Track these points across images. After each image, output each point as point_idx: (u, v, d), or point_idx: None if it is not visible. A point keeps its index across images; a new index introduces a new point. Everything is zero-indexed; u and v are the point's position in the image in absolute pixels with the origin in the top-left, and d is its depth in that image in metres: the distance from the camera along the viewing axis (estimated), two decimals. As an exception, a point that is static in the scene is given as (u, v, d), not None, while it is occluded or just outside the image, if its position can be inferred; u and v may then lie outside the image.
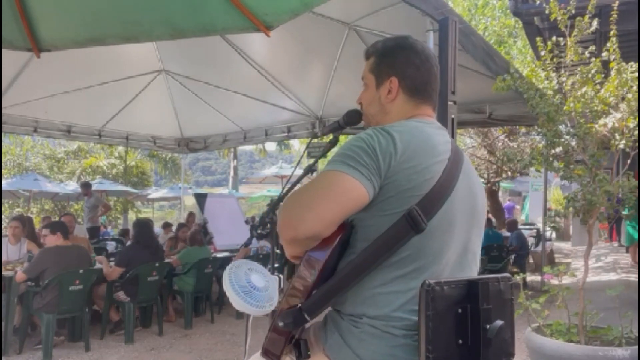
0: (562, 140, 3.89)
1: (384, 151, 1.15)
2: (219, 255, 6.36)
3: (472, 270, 1.30)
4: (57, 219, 7.63)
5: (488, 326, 1.10)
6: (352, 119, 1.47)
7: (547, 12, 4.06)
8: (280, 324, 1.17)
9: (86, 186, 10.09)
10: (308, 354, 1.25)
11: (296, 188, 1.32)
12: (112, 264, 5.30)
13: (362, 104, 1.42)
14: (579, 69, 3.84)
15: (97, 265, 5.31)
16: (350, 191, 1.14)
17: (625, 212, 4.05)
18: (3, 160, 18.75)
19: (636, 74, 3.65)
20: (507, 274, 1.23)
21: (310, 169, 1.79)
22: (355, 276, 1.16)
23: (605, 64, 3.83)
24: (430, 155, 1.20)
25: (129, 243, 6.66)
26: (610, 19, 3.89)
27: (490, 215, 12.52)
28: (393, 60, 1.35)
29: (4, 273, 4.69)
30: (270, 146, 28.73)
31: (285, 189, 1.62)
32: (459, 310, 1.11)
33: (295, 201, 1.19)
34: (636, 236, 8.64)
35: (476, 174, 1.37)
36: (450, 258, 1.22)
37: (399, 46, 1.36)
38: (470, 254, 1.30)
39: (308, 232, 1.14)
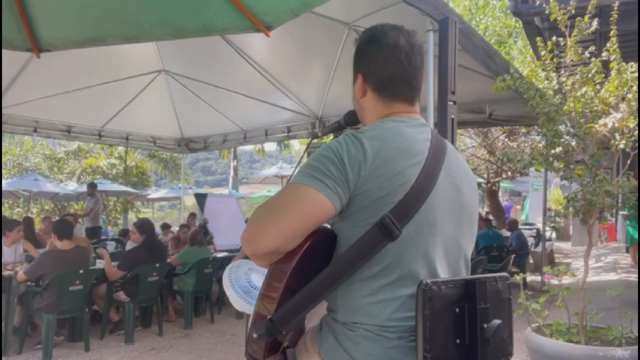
0: (562, 140, 3.89)
1: (352, 160, 1.12)
2: (219, 255, 6.36)
3: (464, 267, 1.27)
4: (57, 219, 7.63)
5: (486, 325, 1.10)
6: (352, 119, 1.45)
7: (547, 12, 4.06)
8: (255, 335, 1.15)
9: (92, 186, 10.47)
10: None
11: (263, 201, 1.28)
12: (113, 263, 5.31)
13: None
14: (579, 69, 3.85)
15: (98, 264, 5.30)
16: (313, 205, 1.11)
17: (625, 212, 4.06)
18: (3, 160, 18.76)
19: (636, 74, 3.65)
20: (505, 274, 1.22)
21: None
22: (328, 286, 1.13)
23: (605, 64, 3.83)
24: (404, 158, 1.16)
25: (129, 243, 6.63)
26: (610, 19, 3.89)
27: (490, 216, 12.52)
28: (359, 57, 1.32)
29: (3, 273, 4.70)
30: (270, 146, 28.69)
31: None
32: (457, 310, 1.10)
33: (257, 216, 1.16)
34: (636, 236, 8.64)
35: (463, 167, 1.31)
36: (438, 259, 1.19)
37: (366, 41, 1.31)
38: (462, 250, 1.27)
39: (267, 248, 1.12)
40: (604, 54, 3.86)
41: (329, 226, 1.22)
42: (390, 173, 1.13)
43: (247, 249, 1.15)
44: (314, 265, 1.16)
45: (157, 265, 5.32)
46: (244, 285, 2.57)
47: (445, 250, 1.21)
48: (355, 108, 1.38)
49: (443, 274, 1.20)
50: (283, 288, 1.12)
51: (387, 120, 1.26)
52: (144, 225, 5.71)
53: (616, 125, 3.61)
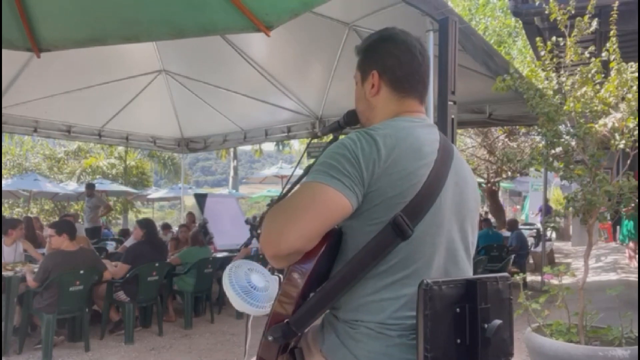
0: (562, 140, 3.88)
1: (367, 158, 1.13)
2: (219, 255, 6.36)
3: (468, 266, 1.29)
4: (56, 219, 7.63)
5: (486, 325, 1.10)
6: (352, 119, 1.45)
7: (547, 12, 4.06)
8: (270, 338, 1.16)
9: (90, 187, 10.56)
10: None
11: (278, 202, 1.28)
12: (114, 263, 5.31)
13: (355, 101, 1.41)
14: (579, 69, 3.84)
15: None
16: (333, 204, 1.11)
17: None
18: (3, 160, 18.76)
19: (636, 74, 3.65)
20: (505, 274, 1.22)
21: (310, 169, 1.77)
22: (342, 287, 1.14)
23: (605, 64, 3.83)
24: (415, 158, 1.17)
25: (130, 239, 6.65)
26: (610, 19, 3.89)
27: (490, 216, 12.53)
28: (374, 54, 1.33)
29: (3, 273, 4.69)
30: (269, 146, 28.66)
31: (286, 189, 1.61)
32: (457, 310, 1.10)
33: (276, 216, 1.16)
34: (634, 234, 8.65)
35: (467, 168, 1.34)
36: (442, 260, 1.21)
37: (380, 39, 1.34)
38: (466, 250, 1.28)
39: (290, 249, 1.12)
40: (603, 54, 3.86)
41: None
42: (402, 172, 1.14)
43: (268, 251, 1.14)
44: (323, 265, 1.17)
45: (157, 264, 5.33)
46: (244, 285, 2.57)
47: (449, 249, 1.23)
48: (362, 108, 1.38)
49: (447, 273, 1.21)
50: (301, 289, 1.14)
51: (398, 119, 1.27)
52: (144, 222, 5.95)
53: (616, 125, 3.60)
